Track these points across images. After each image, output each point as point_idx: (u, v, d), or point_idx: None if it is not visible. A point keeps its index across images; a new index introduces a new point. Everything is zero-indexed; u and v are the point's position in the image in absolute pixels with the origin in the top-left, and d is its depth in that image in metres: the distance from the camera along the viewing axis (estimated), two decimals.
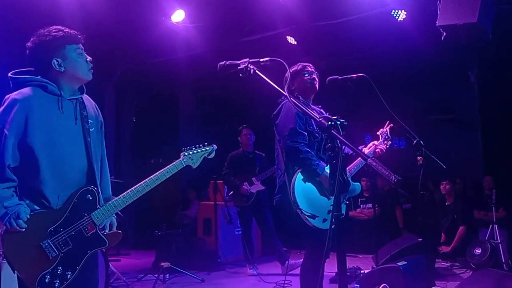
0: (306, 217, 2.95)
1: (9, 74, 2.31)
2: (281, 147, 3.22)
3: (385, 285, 4.26)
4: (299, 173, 3.06)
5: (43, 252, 2.17)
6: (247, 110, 8.70)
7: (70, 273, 2.21)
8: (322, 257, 3.18)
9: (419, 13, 6.07)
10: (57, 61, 2.26)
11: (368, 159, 1.70)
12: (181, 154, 2.56)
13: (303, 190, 3.05)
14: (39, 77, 2.29)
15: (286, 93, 2.00)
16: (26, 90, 2.24)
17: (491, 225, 6.05)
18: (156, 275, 5.32)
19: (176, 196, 8.61)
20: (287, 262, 5.64)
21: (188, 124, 9.30)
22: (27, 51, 2.30)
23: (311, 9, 6.28)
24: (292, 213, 3.02)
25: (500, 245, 5.83)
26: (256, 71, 2.18)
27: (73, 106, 2.34)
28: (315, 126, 3.19)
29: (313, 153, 3.10)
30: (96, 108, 2.53)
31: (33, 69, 2.32)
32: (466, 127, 7.94)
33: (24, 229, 2.13)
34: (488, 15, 4.59)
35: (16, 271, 2.16)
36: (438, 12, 4.69)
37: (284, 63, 2.17)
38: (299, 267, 3.40)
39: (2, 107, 2.20)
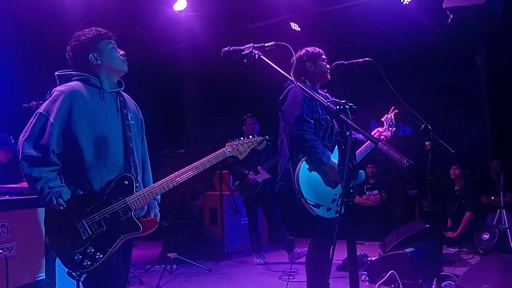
0: (311, 206, 2.91)
1: (56, 73, 2.50)
2: (286, 134, 3.17)
3: (393, 272, 4.24)
4: (304, 161, 3.01)
5: (78, 232, 2.26)
6: (252, 100, 8.64)
7: (101, 255, 2.27)
8: (327, 245, 3.16)
9: None
10: (93, 55, 2.46)
11: (379, 144, 1.65)
12: (227, 144, 2.59)
13: (308, 179, 3.00)
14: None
15: (292, 78, 1.95)
16: (71, 83, 2.42)
17: (498, 210, 6.00)
18: (163, 266, 5.31)
19: (186, 188, 8.60)
20: (293, 250, 5.63)
21: (193, 115, 9.26)
22: (68, 53, 2.51)
23: None
24: (294, 201, 2.97)
25: (508, 230, 5.77)
26: (261, 56, 2.13)
27: (113, 99, 2.51)
28: (321, 113, 3.14)
29: (318, 141, 3.04)
30: (136, 107, 2.69)
31: (73, 70, 2.50)
32: (473, 111, 7.86)
33: (62, 208, 2.25)
34: None
35: (53, 249, 2.27)
36: None
37: (290, 47, 2.11)
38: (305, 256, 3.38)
39: (49, 99, 2.35)
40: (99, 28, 2.55)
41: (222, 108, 9.06)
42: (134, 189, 2.40)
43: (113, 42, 2.55)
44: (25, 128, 2.32)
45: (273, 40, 2.25)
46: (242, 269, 5.76)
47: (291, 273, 4.99)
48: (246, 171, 6.02)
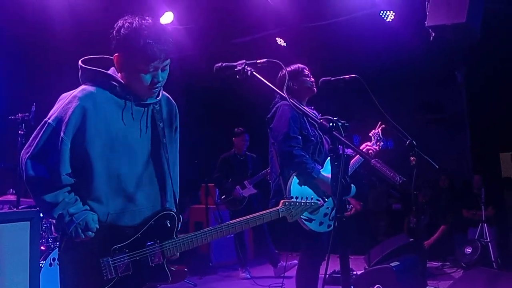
0: (303, 220, 2.93)
1: (80, 63, 2.04)
2: (275, 150, 3.21)
3: (378, 286, 4.27)
4: (295, 176, 3.05)
5: (99, 271, 1.92)
6: (238, 113, 8.66)
7: None
8: (318, 259, 3.19)
9: (407, 14, 6.13)
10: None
11: (372, 160, 1.69)
12: (281, 202, 2.30)
13: (299, 193, 3.03)
14: (110, 70, 2.04)
15: (285, 95, 1.98)
16: (90, 88, 1.98)
17: (480, 224, 6.11)
18: None
19: None
20: (279, 264, 5.63)
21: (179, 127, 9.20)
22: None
23: (300, 10, 6.30)
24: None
25: (489, 243, 5.89)
26: (254, 72, 2.16)
27: (141, 114, 2.05)
28: (310, 129, 3.19)
29: (307, 156, 3.09)
30: (173, 110, 2.26)
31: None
32: (454, 127, 8.01)
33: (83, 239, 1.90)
34: (477, 15, 4.63)
35: (64, 283, 1.97)
36: (427, 13, 4.71)
37: (282, 64, 2.15)
38: (292, 269, 3.40)
39: (60, 103, 1.96)
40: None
41: (207, 120, 9.04)
42: (174, 234, 2.05)
43: (154, 65, 1.93)
44: (29, 141, 1.93)
45: (259, 54, 2.27)
46: (228, 284, 5.73)
47: (281, 287, 4.99)
48: (233, 185, 6.01)
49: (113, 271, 1.93)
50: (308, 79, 3.39)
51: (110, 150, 1.96)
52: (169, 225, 2.04)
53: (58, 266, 2.03)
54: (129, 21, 1.95)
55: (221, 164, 6.21)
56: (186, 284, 5.47)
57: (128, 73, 1.99)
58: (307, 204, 2.34)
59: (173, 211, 2.08)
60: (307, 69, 3.44)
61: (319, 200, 2.42)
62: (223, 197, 6.15)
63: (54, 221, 1.99)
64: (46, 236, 4.03)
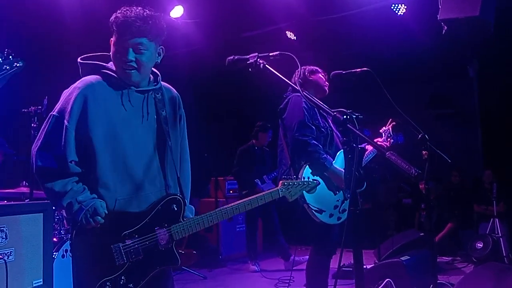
0: (313, 212, 2.94)
1: (79, 60, 2.13)
2: (286, 142, 3.20)
3: (389, 280, 4.26)
4: (306, 167, 3.05)
5: (111, 257, 1.96)
6: (247, 107, 8.67)
7: (132, 286, 1.99)
8: (328, 252, 3.19)
9: (419, 7, 6.06)
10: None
11: (387, 153, 1.68)
12: (280, 182, 2.37)
13: None
14: (109, 63, 2.11)
15: (298, 87, 1.97)
16: (89, 78, 2.06)
17: (491, 219, 6.08)
18: None
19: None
20: (291, 258, 5.62)
21: (187, 121, 9.22)
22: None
23: (310, 3, 6.25)
24: (298, 208, 3.00)
25: (501, 238, 5.85)
26: (266, 65, 2.15)
27: (141, 100, 2.11)
28: (321, 121, 3.18)
29: (320, 147, 3.08)
30: (176, 99, 2.31)
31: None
32: (465, 122, 7.95)
33: (99, 225, 1.95)
34: (490, 8, 4.57)
35: (77, 270, 2.01)
36: (439, 6, 4.66)
37: (294, 57, 2.15)
38: (303, 264, 3.41)
39: (64, 96, 2.03)
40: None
41: (216, 115, 9.07)
42: (181, 217, 2.10)
43: (130, 39, 2.00)
44: (38, 135, 2.02)
45: (269, 48, 2.27)
46: (237, 276, 5.76)
47: (287, 281, 5.01)
48: (253, 179, 5.99)
49: (124, 256, 1.97)
50: (323, 78, 3.43)
51: (114, 137, 2.01)
52: (176, 209, 2.09)
53: (71, 256, 2.08)
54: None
55: (240, 157, 6.16)
56: (195, 277, 5.51)
57: (112, 57, 2.07)
58: (305, 183, 2.40)
59: (179, 196, 2.13)
60: (324, 74, 3.46)
61: (316, 180, 2.46)
62: (244, 192, 6.04)
63: (64, 212, 2.03)
64: (58, 228, 4.08)
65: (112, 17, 2.04)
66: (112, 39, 2.05)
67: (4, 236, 3.18)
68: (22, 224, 3.35)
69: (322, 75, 3.44)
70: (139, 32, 2.01)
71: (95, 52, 2.18)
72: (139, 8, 2.05)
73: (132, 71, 2.05)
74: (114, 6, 2.13)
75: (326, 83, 3.43)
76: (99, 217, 1.94)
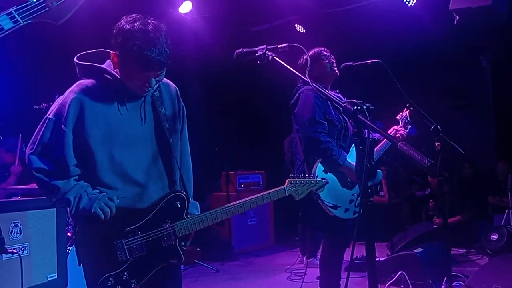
0: (328, 207, 2.91)
1: (75, 59, 2.07)
2: (299, 137, 3.18)
3: (402, 273, 4.25)
4: (319, 163, 3.02)
5: (114, 252, 1.97)
6: (257, 101, 8.65)
7: (135, 282, 2.00)
8: (341, 245, 3.17)
9: None
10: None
11: (399, 143, 1.66)
12: (287, 180, 2.31)
13: None
14: (106, 63, 2.05)
15: (308, 79, 1.95)
16: (85, 82, 2.03)
17: (506, 211, 6.00)
18: None
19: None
20: (311, 258, 5.50)
21: (197, 115, 9.24)
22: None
23: None
24: (312, 203, 2.98)
25: None
26: (275, 57, 2.13)
27: (140, 103, 2.07)
28: (334, 114, 3.14)
29: (333, 142, 3.05)
30: (175, 93, 2.26)
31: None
32: (478, 113, 7.84)
33: (104, 218, 1.95)
34: None
35: (81, 265, 2.03)
36: None
37: (303, 49, 2.12)
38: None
39: (60, 100, 1.99)
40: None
41: (225, 109, 9.07)
42: (185, 214, 2.10)
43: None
44: (32, 138, 1.97)
45: (278, 42, 2.23)
46: (250, 270, 5.77)
47: (299, 275, 5.01)
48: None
49: (127, 252, 1.98)
50: (326, 61, 3.28)
51: (111, 140, 1.99)
52: (179, 206, 2.09)
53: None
54: (128, 25, 1.94)
55: (290, 146, 6.14)
56: (208, 270, 5.53)
57: (122, 72, 2.00)
58: (312, 182, 2.34)
59: (182, 193, 2.12)
60: (326, 50, 3.33)
61: (324, 179, 2.40)
62: None
63: (69, 209, 1.99)
64: (71, 223, 4.13)
65: (125, 40, 1.91)
66: (127, 64, 1.94)
67: (18, 231, 3.22)
68: (36, 219, 3.40)
69: (324, 57, 3.28)
70: (162, 65, 1.98)
71: (103, 46, 2.13)
72: (157, 37, 1.93)
73: (148, 89, 2.03)
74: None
75: (331, 61, 3.28)
76: (113, 204, 1.95)
